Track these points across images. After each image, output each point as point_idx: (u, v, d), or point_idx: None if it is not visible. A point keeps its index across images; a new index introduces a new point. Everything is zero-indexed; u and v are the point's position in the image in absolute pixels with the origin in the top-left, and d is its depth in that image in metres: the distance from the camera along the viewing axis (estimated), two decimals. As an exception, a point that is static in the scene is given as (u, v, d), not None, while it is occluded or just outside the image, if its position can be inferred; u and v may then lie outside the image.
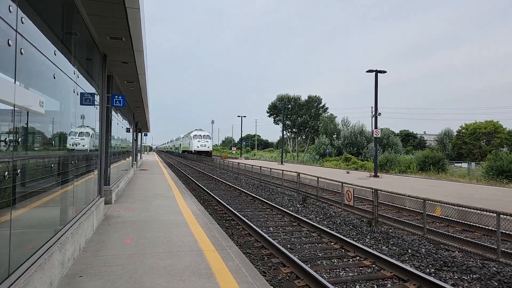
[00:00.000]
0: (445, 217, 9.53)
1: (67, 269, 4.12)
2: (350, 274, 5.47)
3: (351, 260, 6.14)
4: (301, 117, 61.69)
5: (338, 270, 5.60)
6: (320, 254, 6.44)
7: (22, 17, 2.98)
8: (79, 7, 5.12)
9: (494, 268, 5.83)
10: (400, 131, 71.29)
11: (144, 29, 6.77)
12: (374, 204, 8.60)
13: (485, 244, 6.49)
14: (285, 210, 10.32)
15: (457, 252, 6.73)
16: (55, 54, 3.98)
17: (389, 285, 5.05)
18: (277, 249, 6.23)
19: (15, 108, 2.83)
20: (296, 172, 14.54)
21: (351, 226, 8.90)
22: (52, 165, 4.08)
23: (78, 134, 5.36)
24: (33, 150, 3.54)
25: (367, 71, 22.40)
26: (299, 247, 6.90)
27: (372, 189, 8.82)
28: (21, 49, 2.94)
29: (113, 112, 9.65)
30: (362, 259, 6.12)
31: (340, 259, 6.20)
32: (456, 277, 5.47)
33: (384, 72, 22.31)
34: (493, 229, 7.39)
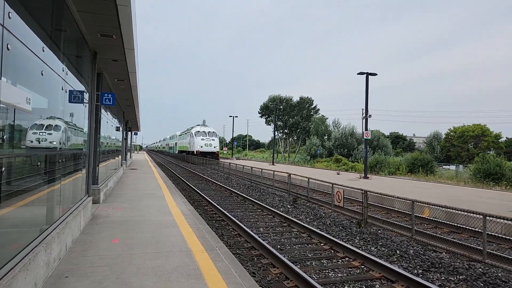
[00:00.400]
0: (433, 219, 9.66)
1: (52, 270, 4.05)
2: (339, 275, 5.50)
3: (340, 261, 6.17)
4: (292, 118, 61.93)
5: (327, 271, 5.63)
6: (310, 255, 6.45)
7: (9, 12, 2.92)
8: (69, 4, 5.05)
9: (480, 269, 5.92)
10: (390, 133, 72.05)
11: (136, 27, 6.69)
12: (364, 205, 8.66)
13: (471, 245, 6.60)
14: (275, 210, 10.32)
15: (444, 253, 6.82)
16: (43, 51, 3.91)
17: (377, 286, 5.09)
18: (267, 250, 6.22)
19: (1, 105, 2.77)
20: (287, 173, 14.56)
21: (340, 227, 8.95)
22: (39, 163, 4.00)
23: (44, 127, 4.22)
24: (19, 148, 3.46)
25: (358, 73, 22.60)
26: (289, 247, 6.91)
27: (362, 190, 8.89)
28: (7, 44, 2.88)
29: (102, 110, 9.53)
30: (351, 260, 6.15)
31: (330, 260, 6.23)
32: (443, 278, 5.54)
33: (375, 74, 22.55)
34: (479, 230, 7.52)
